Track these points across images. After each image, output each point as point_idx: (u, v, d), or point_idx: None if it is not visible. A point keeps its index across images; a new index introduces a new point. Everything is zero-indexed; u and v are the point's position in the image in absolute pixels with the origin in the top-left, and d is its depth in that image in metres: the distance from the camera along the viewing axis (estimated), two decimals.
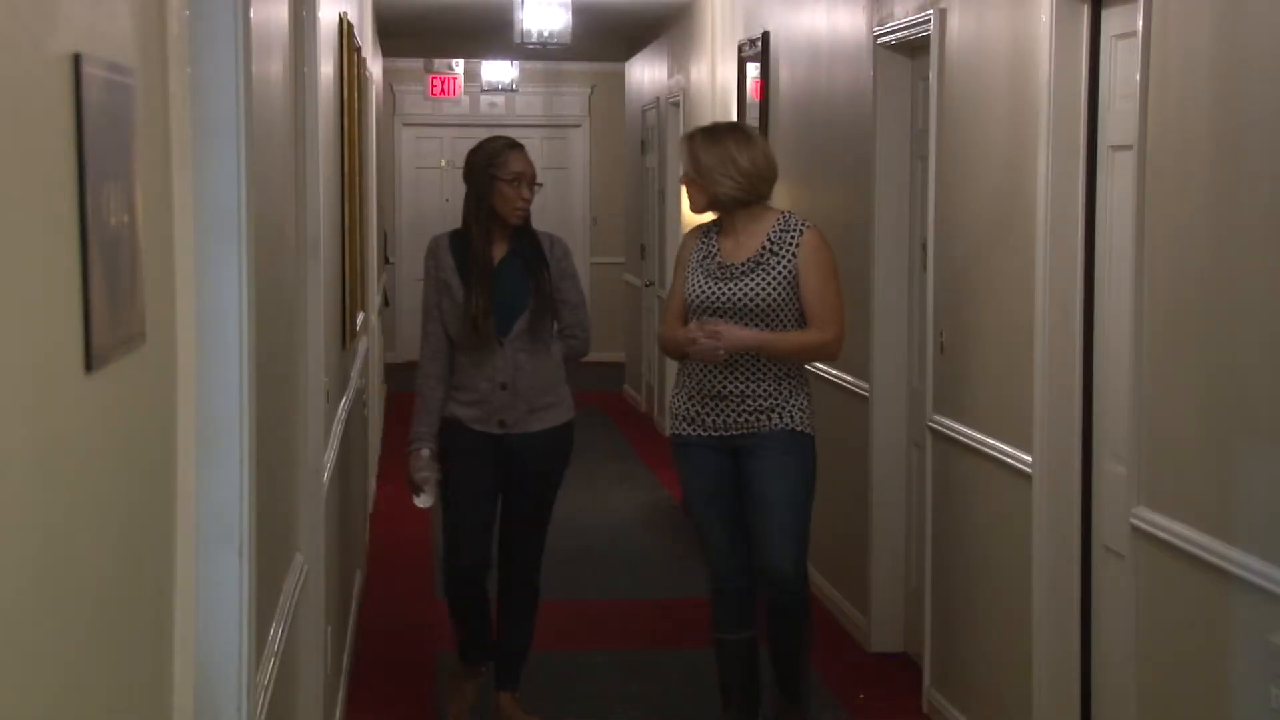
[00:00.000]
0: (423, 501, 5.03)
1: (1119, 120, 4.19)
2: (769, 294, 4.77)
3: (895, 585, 6.13)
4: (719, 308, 4.81)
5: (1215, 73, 3.56)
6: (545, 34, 9.80)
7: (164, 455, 2.06)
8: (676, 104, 11.19)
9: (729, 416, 4.81)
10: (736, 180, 4.78)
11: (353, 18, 6.61)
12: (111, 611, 1.73)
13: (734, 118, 8.97)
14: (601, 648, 6.24)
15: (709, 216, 5.00)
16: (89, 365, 1.58)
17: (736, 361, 4.77)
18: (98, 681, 1.67)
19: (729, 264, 4.83)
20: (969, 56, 5.14)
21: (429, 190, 15.96)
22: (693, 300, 4.88)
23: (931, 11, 5.41)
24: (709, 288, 4.85)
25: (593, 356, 5.68)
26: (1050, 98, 4.39)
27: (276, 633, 3.09)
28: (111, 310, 1.65)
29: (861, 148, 6.20)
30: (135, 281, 1.78)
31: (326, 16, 5.10)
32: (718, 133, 4.91)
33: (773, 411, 4.79)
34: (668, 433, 5.04)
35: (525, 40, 9.84)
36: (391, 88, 15.58)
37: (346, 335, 5.74)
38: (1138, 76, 3.87)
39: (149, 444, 1.96)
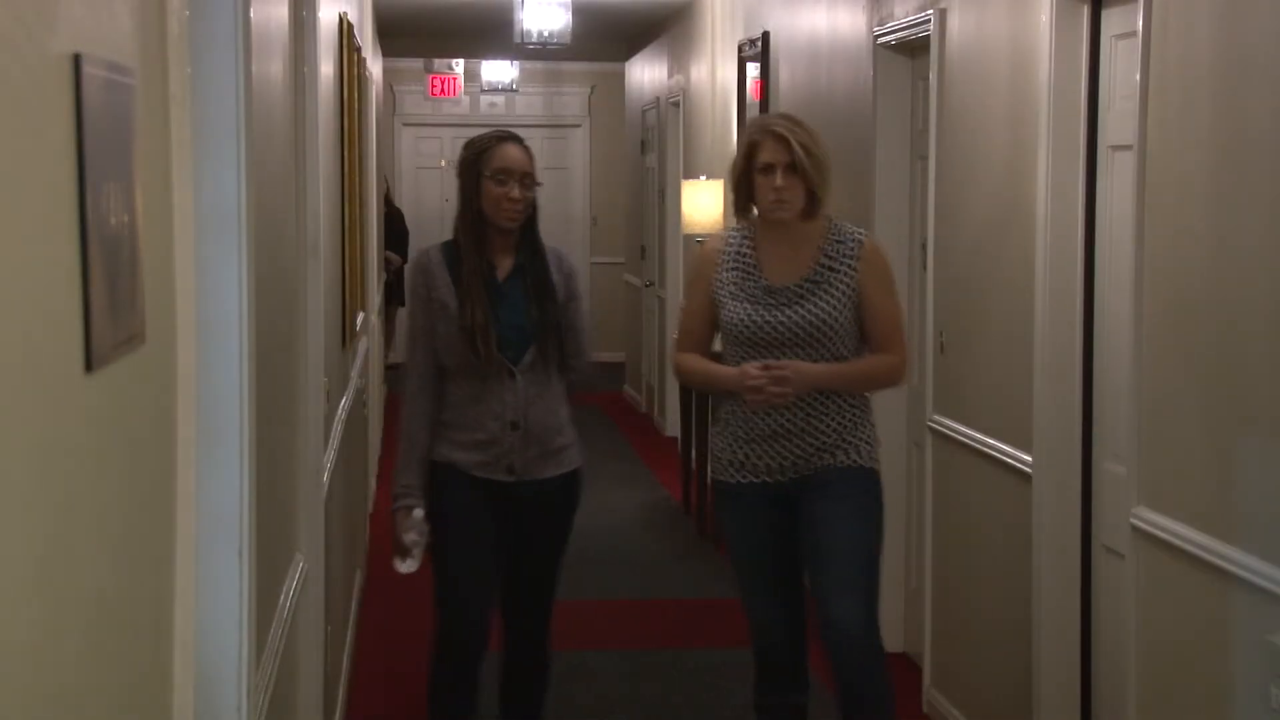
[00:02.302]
0: (407, 567, 4.27)
1: (1119, 120, 4.19)
2: (833, 318, 4.12)
3: (895, 585, 6.13)
4: (772, 339, 4.13)
5: (1215, 73, 3.55)
6: (545, 34, 9.80)
7: (164, 455, 2.05)
8: (676, 104, 11.19)
9: (786, 457, 4.16)
10: (829, 182, 4.15)
11: (353, 18, 6.61)
12: (111, 612, 1.73)
13: (734, 118, 8.98)
14: (601, 648, 6.24)
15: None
16: (89, 365, 1.58)
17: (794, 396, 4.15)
18: (98, 682, 1.67)
19: (780, 286, 4.13)
20: (969, 56, 5.14)
21: (429, 190, 15.96)
22: (735, 330, 4.17)
23: (931, 11, 5.41)
24: (757, 315, 4.14)
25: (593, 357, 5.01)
26: (1050, 98, 4.39)
27: (276, 633, 3.09)
28: (111, 310, 1.65)
29: (861, 148, 6.20)
30: (135, 281, 1.78)
31: (326, 16, 5.10)
32: (812, 126, 4.21)
33: (837, 448, 4.16)
34: (710, 478, 4.30)
35: (525, 40, 9.84)
36: (391, 88, 15.58)
37: (346, 335, 5.73)
38: (1138, 76, 3.87)
39: (149, 444, 1.96)
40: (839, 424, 4.16)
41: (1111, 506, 4.25)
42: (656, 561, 7.90)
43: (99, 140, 1.59)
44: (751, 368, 4.07)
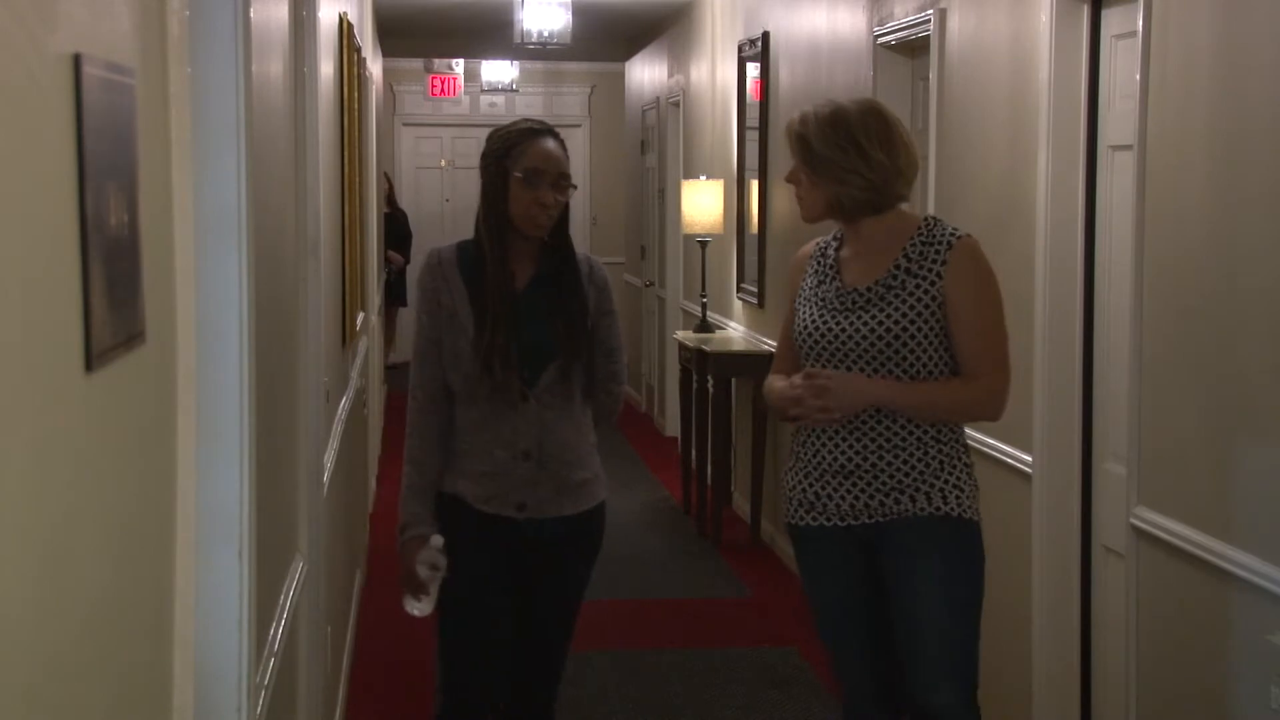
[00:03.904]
0: (421, 608, 3.70)
1: (1119, 120, 4.19)
2: (906, 330, 3.49)
3: None
4: (835, 349, 3.54)
5: (1215, 73, 3.56)
6: (545, 34, 9.80)
7: (164, 455, 2.05)
8: (676, 104, 11.19)
9: (858, 497, 3.55)
10: (866, 178, 3.52)
11: (353, 18, 6.61)
12: (111, 611, 1.73)
13: (734, 118, 8.98)
14: (601, 648, 6.24)
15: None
16: (89, 365, 1.58)
17: (864, 422, 3.53)
18: (98, 682, 1.67)
19: (851, 290, 3.56)
20: (969, 56, 5.14)
21: (429, 190, 15.96)
22: (802, 337, 3.62)
23: (931, 11, 5.41)
24: (822, 321, 3.58)
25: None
26: (1050, 98, 4.39)
27: (276, 633, 3.09)
28: (111, 310, 1.65)
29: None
30: (135, 281, 1.78)
31: (326, 16, 5.10)
32: (841, 115, 3.56)
33: (917, 490, 3.51)
34: (784, 520, 3.76)
35: (525, 40, 9.84)
36: (391, 88, 15.58)
37: (346, 335, 5.73)
38: (1138, 76, 3.87)
39: (149, 444, 1.96)
40: (920, 461, 3.52)
41: (1111, 506, 4.25)
42: (656, 561, 7.90)
43: (99, 140, 1.59)
44: (795, 378, 3.54)
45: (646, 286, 12.59)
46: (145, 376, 1.90)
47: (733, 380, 8.44)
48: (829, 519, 3.58)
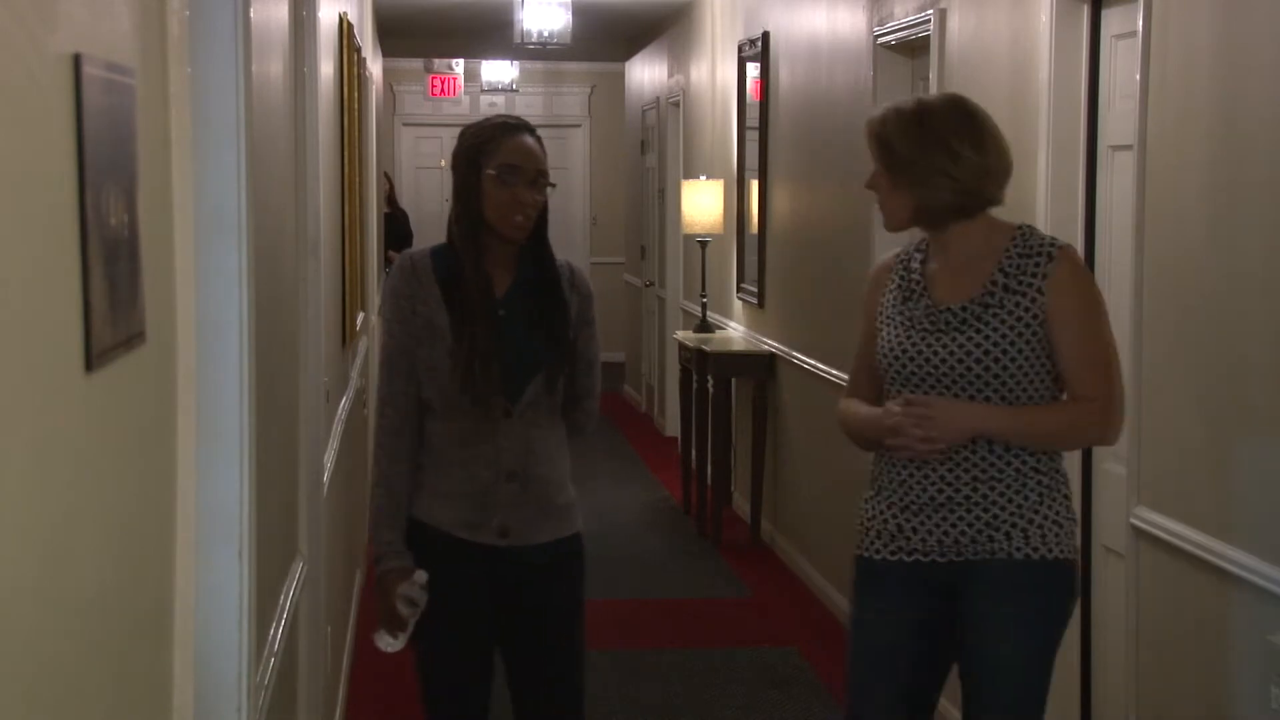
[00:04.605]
0: (395, 645, 3.41)
1: (1119, 120, 4.19)
2: (1002, 351, 3.18)
3: None
4: (926, 374, 3.23)
5: (1215, 73, 3.56)
6: (545, 34, 9.81)
7: (164, 455, 2.06)
8: (676, 104, 11.20)
9: (948, 532, 3.24)
10: (954, 179, 3.20)
11: (353, 18, 6.61)
12: (111, 611, 1.73)
13: (734, 118, 8.98)
14: (601, 648, 6.24)
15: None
16: (89, 365, 1.58)
17: (959, 451, 3.23)
18: (98, 681, 1.67)
19: (943, 308, 3.23)
20: (969, 56, 5.14)
21: (429, 190, 15.97)
22: (885, 362, 3.31)
23: (931, 11, 5.41)
24: (910, 342, 3.26)
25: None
26: (1050, 98, 4.39)
27: (276, 633, 3.09)
28: (111, 310, 1.65)
29: (861, 148, 6.18)
30: (135, 281, 1.78)
31: (326, 16, 5.10)
32: (925, 111, 3.27)
33: (1013, 527, 3.20)
34: (855, 552, 3.40)
35: (525, 40, 9.85)
36: (391, 88, 15.58)
37: (346, 335, 5.74)
38: (1138, 76, 3.87)
39: (149, 444, 1.96)
40: (1018, 494, 3.22)
41: (1111, 506, 4.25)
42: (656, 561, 7.90)
43: (99, 140, 1.59)
44: (891, 405, 3.24)
45: (646, 286, 12.60)
46: (145, 376, 1.90)
47: (733, 380, 8.45)
48: (910, 553, 3.27)
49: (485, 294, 3.39)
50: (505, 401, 3.38)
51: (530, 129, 3.49)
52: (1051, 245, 3.20)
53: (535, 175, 3.41)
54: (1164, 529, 3.75)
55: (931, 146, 3.21)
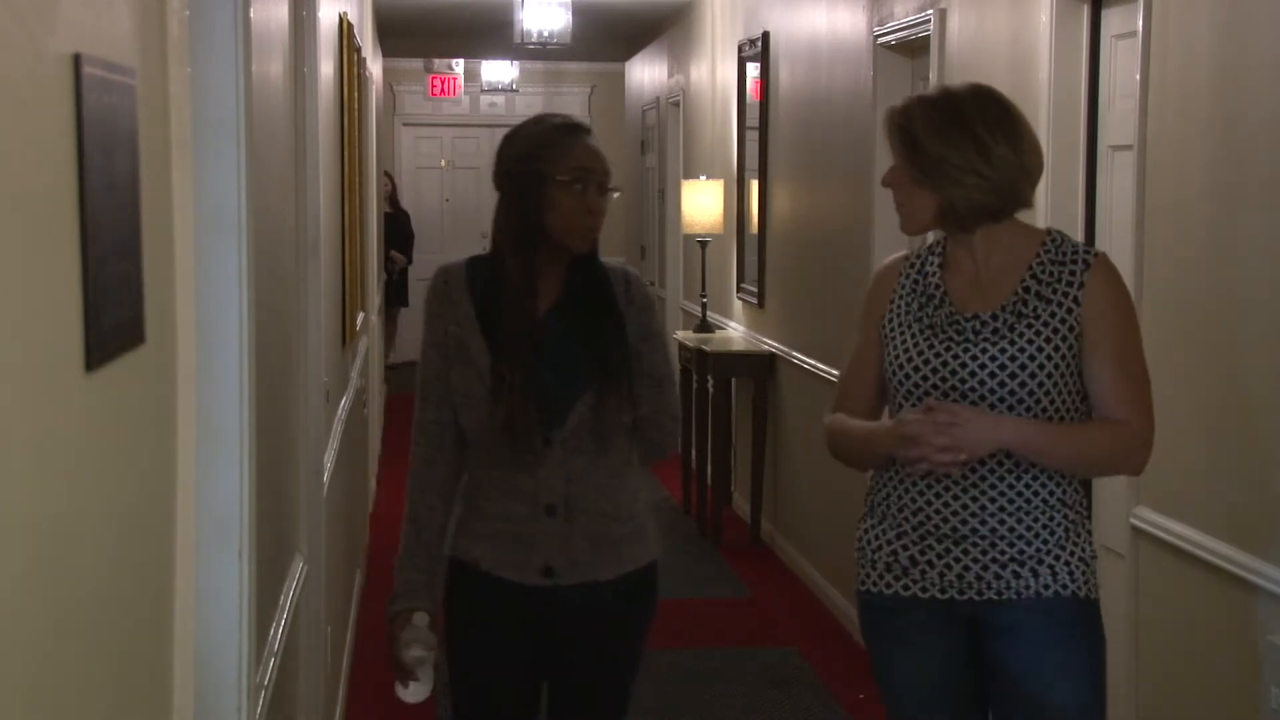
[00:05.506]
0: (413, 695, 3.13)
1: (1119, 120, 4.19)
2: (1038, 365, 2.89)
3: None
4: (950, 386, 2.92)
5: (1215, 73, 3.56)
6: (545, 34, 9.81)
7: (164, 455, 2.05)
8: (676, 104, 11.20)
9: (968, 568, 2.93)
10: (986, 178, 2.88)
11: (353, 18, 6.61)
12: (111, 611, 1.73)
13: (734, 118, 8.99)
14: None
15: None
16: (89, 365, 1.58)
17: (983, 476, 2.92)
18: (98, 681, 1.67)
19: (971, 316, 2.94)
20: (969, 56, 5.14)
21: (429, 190, 15.96)
22: (903, 371, 2.99)
23: (931, 11, 5.41)
24: (932, 352, 2.95)
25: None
26: (1050, 98, 4.39)
27: (276, 633, 3.09)
28: (111, 310, 1.65)
29: (861, 148, 6.19)
30: (135, 281, 1.78)
31: (326, 16, 5.10)
32: (953, 102, 2.94)
33: (1039, 563, 2.91)
34: (857, 587, 3.10)
35: (525, 40, 9.85)
36: (391, 88, 15.58)
37: (346, 335, 5.74)
38: (1138, 76, 3.87)
39: (149, 444, 1.96)
40: (1045, 527, 2.92)
41: (1111, 506, 4.25)
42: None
43: (99, 140, 1.59)
44: (910, 415, 2.87)
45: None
46: (145, 376, 1.90)
47: (733, 380, 8.44)
48: (925, 590, 2.96)
49: (525, 320, 3.09)
50: (544, 431, 3.08)
51: (590, 131, 3.27)
52: (1087, 253, 2.95)
53: (601, 180, 3.21)
54: (1164, 529, 3.75)
55: (963, 142, 2.87)
